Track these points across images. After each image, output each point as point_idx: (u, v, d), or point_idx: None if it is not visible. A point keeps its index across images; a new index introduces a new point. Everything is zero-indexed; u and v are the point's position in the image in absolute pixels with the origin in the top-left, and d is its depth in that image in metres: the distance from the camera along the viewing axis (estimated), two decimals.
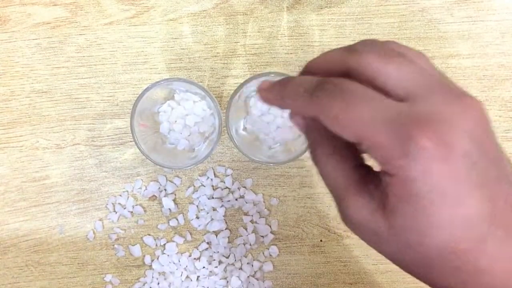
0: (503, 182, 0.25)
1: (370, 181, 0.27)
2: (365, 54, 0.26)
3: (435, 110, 0.24)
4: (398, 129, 0.24)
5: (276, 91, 0.29)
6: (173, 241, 0.49)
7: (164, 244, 0.50)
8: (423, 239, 0.25)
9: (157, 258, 0.50)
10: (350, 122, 0.24)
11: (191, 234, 0.50)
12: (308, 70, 0.30)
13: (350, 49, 0.27)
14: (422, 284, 0.46)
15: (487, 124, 0.25)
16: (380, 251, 0.28)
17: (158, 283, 0.50)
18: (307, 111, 0.26)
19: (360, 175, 0.28)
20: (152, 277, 0.50)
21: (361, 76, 0.26)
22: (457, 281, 0.26)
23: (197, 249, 0.50)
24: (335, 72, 0.27)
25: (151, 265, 0.50)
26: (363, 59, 0.26)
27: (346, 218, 0.28)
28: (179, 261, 0.49)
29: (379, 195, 0.26)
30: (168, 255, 0.49)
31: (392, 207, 0.25)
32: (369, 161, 0.28)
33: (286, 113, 0.45)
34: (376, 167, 0.28)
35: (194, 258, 0.50)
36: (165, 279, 0.50)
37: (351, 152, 0.29)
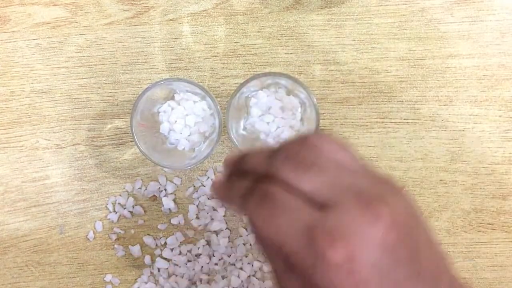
0: (415, 280, 0.25)
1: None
2: (281, 165, 0.27)
3: (346, 221, 0.24)
4: (310, 241, 0.24)
5: (223, 191, 0.31)
6: (174, 235, 0.49)
7: (165, 242, 0.50)
8: None
9: (161, 252, 0.50)
10: (272, 230, 0.26)
11: (191, 232, 0.50)
12: (236, 165, 0.30)
13: (269, 156, 0.28)
14: None
15: (403, 224, 0.25)
16: None
17: (157, 281, 0.50)
18: (246, 215, 0.28)
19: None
20: (151, 273, 0.50)
21: (282, 181, 0.27)
22: None
23: (196, 246, 0.49)
24: (260, 171, 0.28)
25: (151, 265, 0.50)
26: (279, 171, 0.27)
27: None
28: (180, 252, 0.49)
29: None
30: (171, 249, 0.49)
31: None
32: None
33: (286, 113, 0.45)
34: None
35: (195, 255, 0.50)
36: (168, 275, 0.50)
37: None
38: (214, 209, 0.49)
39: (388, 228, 0.24)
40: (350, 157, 0.28)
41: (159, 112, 0.47)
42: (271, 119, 0.45)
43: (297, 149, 0.27)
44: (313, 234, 0.24)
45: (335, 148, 0.27)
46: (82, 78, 0.49)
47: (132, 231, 0.50)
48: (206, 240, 0.50)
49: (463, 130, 0.48)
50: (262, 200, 0.26)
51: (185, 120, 0.46)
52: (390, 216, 0.25)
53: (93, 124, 0.49)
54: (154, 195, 0.50)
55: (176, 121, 0.46)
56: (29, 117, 0.49)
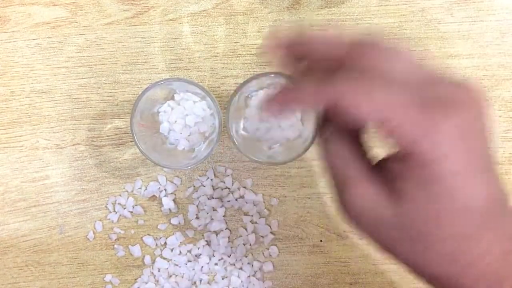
0: (494, 172, 0.27)
1: (374, 170, 0.28)
2: (370, 49, 0.27)
3: (448, 97, 0.25)
4: (423, 110, 0.25)
5: (287, 93, 0.29)
6: (174, 235, 0.49)
7: (165, 243, 0.50)
8: (427, 226, 0.26)
9: (161, 252, 0.50)
10: (375, 105, 0.25)
11: (191, 232, 0.50)
12: (293, 50, 0.30)
13: (352, 43, 0.27)
14: (421, 285, 0.46)
15: (484, 114, 0.26)
16: (377, 241, 0.28)
17: (158, 281, 0.50)
18: (324, 100, 0.26)
19: (363, 165, 0.29)
20: (151, 273, 0.50)
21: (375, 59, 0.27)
22: (455, 270, 0.26)
23: (196, 246, 0.50)
24: (333, 55, 0.28)
25: (151, 265, 0.50)
26: (368, 53, 0.27)
27: (348, 206, 0.28)
28: (180, 252, 0.49)
29: (386, 182, 0.27)
30: (171, 249, 0.49)
31: (403, 192, 0.26)
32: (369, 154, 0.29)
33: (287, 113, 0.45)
34: (378, 158, 0.29)
35: (195, 255, 0.50)
36: (168, 275, 0.50)
37: (354, 144, 0.29)
38: (214, 209, 0.49)
39: (483, 107, 0.26)
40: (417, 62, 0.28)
41: (159, 112, 0.47)
42: (271, 119, 0.45)
43: (378, 41, 0.28)
44: (426, 103, 0.25)
45: (405, 55, 0.28)
46: (82, 78, 0.49)
47: (132, 231, 0.50)
48: (206, 240, 0.50)
49: None
50: (361, 75, 0.26)
51: (185, 120, 0.46)
52: (482, 98, 0.26)
53: (93, 124, 0.49)
54: (154, 195, 0.50)
55: (176, 121, 0.46)
56: (29, 117, 0.49)
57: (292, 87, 0.29)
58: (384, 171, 0.27)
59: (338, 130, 0.29)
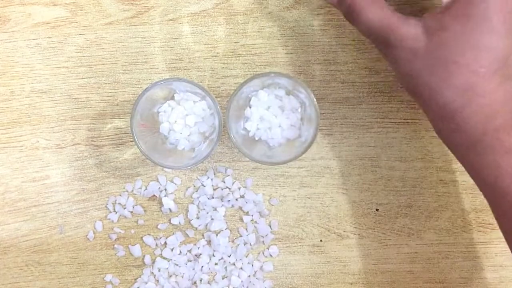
0: None
1: (412, 18, 0.34)
2: None
3: None
4: None
5: None
6: (174, 235, 0.49)
7: (165, 243, 0.50)
8: (456, 55, 0.31)
9: (161, 252, 0.50)
10: None
11: (191, 232, 0.50)
12: None
13: None
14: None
15: None
16: (407, 68, 0.34)
17: (158, 281, 0.50)
18: None
19: (400, 15, 0.34)
20: (151, 273, 0.50)
21: None
22: (464, 99, 0.32)
23: (196, 246, 0.50)
24: None
25: (151, 265, 0.50)
26: None
27: (391, 45, 0.34)
28: (180, 252, 0.49)
29: (425, 22, 0.33)
30: (171, 249, 0.49)
31: (444, 26, 0.31)
32: None
33: (286, 113, 0.45)
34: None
35: (195, 255, 0.50)
36: (168, 275, 0.50)
37: (386, 2, 0.35)
38: (214, 209, 0.49)
39: None
40: None
41: (159, 112, 0.47)
42: (271, 119, 0.45)
43: None
44: None
45: None
46: (82, 78, 0.49)
47: (132, 231, 0.50)
48: (206, 240, 0.50)
49: None
50: None
51: (185, 120, 0.46)
52: None
53: (93, 124, 0.49)
54: (154, 195, 0.50)
55: (176, 121, 0.46)
56: (29, 117, 0.49)
57: None
58: (425, 18, 0.33)
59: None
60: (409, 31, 0.33)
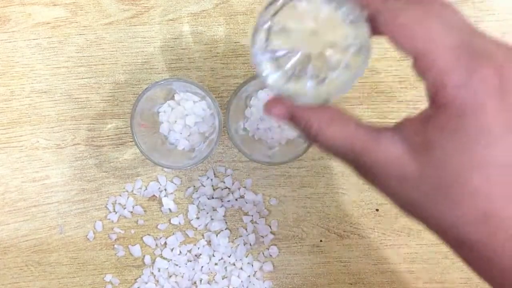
0: None
1: (384, 130, 0.27)
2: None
3: (495, 52, 0.24)
4: (466, 56, 0.23)
5: None
6: (174, 235, 0.49)
7: (165, 243, 0.50)
8: (458, 179, 0.24)
9: (161, 252, 0.50)
10: (419, 34, 0.24)
11: (191, 232, 0.50)
12: None
13: None
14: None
15: None
16: (403, 200, 0.27)
17: (158, 281, 0.50)
18: (370, 7, 0.26)
19: (368, 129, 0.27)
20: (151, 273, 0.50)
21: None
22: (484, 230, 0.25)
23: (196, 246, 0.50)
24: None
25: (151, 265, 0.50)
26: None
27: (371, 172, 0.27)
28: (180, 252, 0.49)
29: (405, 140, 0.26)
30: (171, 249, 0.49)
31: (431, 143, 0.24)
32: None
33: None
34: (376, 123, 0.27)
35: (195, 255, 0.50)
36: (168, 275, 0.50)
37: (348, 114, 0.28)
38: (214, 209, 0.49)
39: None
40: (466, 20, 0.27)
41: (159, 112, 0.47)
42: (271, 119, 0.45)
43: None
44: (470, 50, 0.23)
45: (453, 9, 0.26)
46: (82, 78, 0.49)
47: (132, 231, 0.50)
48: (206, 240, 0.50)
49: None
50: (413, 1, 0.25)
51: (185, 120, 0.46)
52: None
53: (93, 124, 0.49)
54: (154, 195, 0.50)
55: (176, 121, 0.46)
56: (29, 117, 0.49)
57: None
58: (402, 130, 0.26)
59: (321, 110, 0.28)
60: (387, 152, 0.26)
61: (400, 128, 0.26)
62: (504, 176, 0.24)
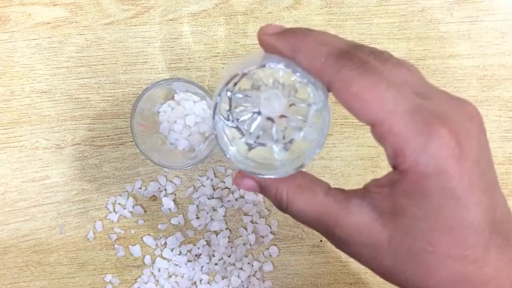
0: (498, 189, 0.25)
1: (352, 197, 0.26)
2: (369, 55, 0.25)
3: (449, 111, 0.24)
4: (421, 121, 0.23)
5: (288, 40, 0.26)
6: (174, 235, 0.49)
7: (165, 243, 0.50)
8: (428, 244, 0.24)
9: (161, 252, 0.50)
10: (372, 103, 0.23)
11: (191, 232, 0.50)
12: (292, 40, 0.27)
13: (353, 46, 0.25)
14: None
15: (485, 131, 0.25)
16: (378, 268, 0.27)
17: (158, 281, 0.50)
18: (323, 77, 0.25)
19: (336, 197, 0.27)
20: (151, 273, 0.50)
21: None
22: None
23: (196, 246, 0.49)
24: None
25: (151, 265, 0.50)
26: (369, 59, 0.25)
27: (343, 241, 0.27)
28: (180, 252, 0.49)
29: (374, 207, 0.25)
30: (171, 249, 0.49)
31: (398, 209, 0.24)
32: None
33: None
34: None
35: (195, 255, 0.50)
36: (168, 275, 0.50)
37: (317, 182, 0.28)
38: (214, 209, 0.49)
39: (481, 128, 0.24)
40: (422, 79, 0.26)
41: (159, 112, 0.47)
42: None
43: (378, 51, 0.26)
44: (424, 114, 0.23)
45: (406, 67, 0.26)
46: (82, 78, 0.49)
47: (132, 231, 0.50)
48: (206, 240, 0.50)
49: None
50: (365, 68, 0.24)
51: (185, 120, 0.46)
52: (480, 118, 0.24)
53: (93, 124, 0.49)
54: (154, 195, 0.50)
55: (176, 121, 0.46)
56: (29, 117, 0.49)
57: (306, 38, 0.26)
58: (371, 196, 0.26)
59: (290, 179, 0.28)
60: (357, 221, 0.25)
61: (368, 195, 0.26)
62: (474, 237, 0.23)
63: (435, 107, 0.24)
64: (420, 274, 0.25)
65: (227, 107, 0.30)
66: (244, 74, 0.28)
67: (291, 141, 0.29)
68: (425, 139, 0.23)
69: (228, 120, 0.29)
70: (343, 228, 0.26)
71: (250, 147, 0.29)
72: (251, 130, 0.29)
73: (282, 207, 0.28)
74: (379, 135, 0.24)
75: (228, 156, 0.28)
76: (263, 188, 0.29)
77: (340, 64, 0.24)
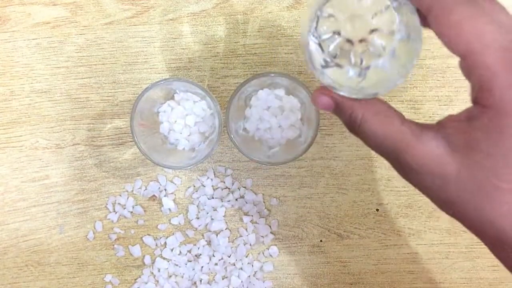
0: None
1: (426, 129, 0.27)
2: None
3: None
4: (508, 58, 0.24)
5: None
6: (174, 235, 0.49)
7: (165, 243, 0.50)
8: (500, 180, 0.25)
9: (161, 252, 0.50)
10: (471, 33, 0.24)
11: (191, 232, 0.50)
12: None
13: None
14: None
15: None
16: (440, 197, 0.27)
17: (157, 281, 0.50)
18: (423, 2, 0.26)
19: (411, 127, 0.28)
20: (151, 273, 0.50)
21: None
22: None
23: (196, 246, 0.49)
24: None
25: (151, 265, 0.50)
26: None
27: (412, 169, 0.28)
28: (180, 252, 0.49)
29: (446, 135, 0.26)
30: (171, 249, 0.49)
31: (473, 143, 0.25)
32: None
33: (285, 113, 0.45)
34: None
35: (195, 255, 0.50)
36: (168, 275, 0.50)
37: (394, 111, 0.29)
38: (214, 209, 0.49)
39: None
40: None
41: (159, 112, 0.47)
42: (271, 119, 0.45)
43: None
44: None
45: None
46: (82, 78, 0.49)
47: (132, 231, 0.50)
48: (206, 241, 0.50)
49: None
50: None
51: (185, 120, 0.46)
52: None
53: (93, 124, 0.49)
54: (154, 195, 0.50)
55: (176, 121, 0.46)
56: (29, 117, 0.49)
57: None
58: (445, 131, 0.27)
59: (367, 103, 0.28)
60: (429, 151, 0.26)
61: (442, 127, 0.27)
62: None
63: None
64: (486, 206, 0.25)
65: (313, 24, 0.30)
66: None
67: (368, 68, 0.29)
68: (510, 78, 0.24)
69: (312, 36, 0.29)
70: (414, 156, 0.27)
71: (327, 65, 0.30)
72: (331, 47, 0.29)
73: (355, 127, 0.29)
74: (469, 67, 0.25)
75: (312, 66, 0.29)
76: (338, 107, 0.30)
77: None
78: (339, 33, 0.29)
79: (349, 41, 0.29)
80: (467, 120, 0.26)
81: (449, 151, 0.26)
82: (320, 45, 0.30)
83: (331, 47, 0.30)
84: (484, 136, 0.25)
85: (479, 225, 0.27)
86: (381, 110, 0.29)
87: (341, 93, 0.29)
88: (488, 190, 0.25)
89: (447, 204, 0.27)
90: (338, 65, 0.30)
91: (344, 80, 0.30)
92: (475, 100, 0.25)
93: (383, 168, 0.49)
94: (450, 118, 0.27)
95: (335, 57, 0.30)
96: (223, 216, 0.50)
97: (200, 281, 0.50)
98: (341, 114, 0.30)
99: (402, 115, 0.29)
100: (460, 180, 0.26)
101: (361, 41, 0.29)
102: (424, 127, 0.27)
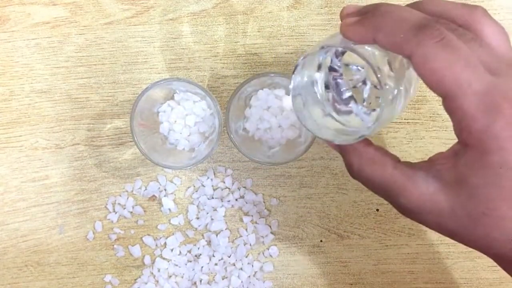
0: None
1: (418, 169, 0.29)
2: (447, 29, 0.27)
3: None
4: (489, 102, 0.25)
5: (369, 23, 0.29)
6: (174, 235, 0.49)
7: (165, 243, 0.50)
8: (488, 209, 0.27)
9: (161, 253, 0.50)
10: (448, 79, 0.26)
11: (191, 232, 0.50)
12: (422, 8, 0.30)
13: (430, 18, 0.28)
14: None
15: None
16: (442, 230, 0.30)
17: (157, 281, 0.50)
18: (404, 51, 0.27)
19: (403, 169, 0.30)
20: (151, 273, 0.50)
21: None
22: None
23: (196, 246, 0.49)
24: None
25: (151, 265, 0.50)
26: (448, 33, 0.27)
27: (409, 210, 0.30)
28: (180, 252, 0.49)
29: (437, 174, 0.28)
30: (171, 249, 0.49)
31: (461, 178, 0.27)
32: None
33: (285, 113, 0.45)
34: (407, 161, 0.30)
35: (195, 255, 0.50)
36: (168, 275, 0.49)
37: (387, 154, 0.31)
38: (214, 209, 0.49)
39: None
40: (507, 43, 0.29)
41: (159, 112, 0.47)
42: (271, 119, 0.45)
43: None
44: (494, 95, 0.26)
45: (497, 29, 0.29)
46: (82, 78, 0.49)
47: (132, 231, 0.50)
48: (206, 241, 0.50)
49: None
50: (443, 43, 0.26)
51: (185, 120, 0.46)
52: None
53: (92, 124, 0.49)
54: (154, 195, 0.50)
55: (176, 121, 0.46)
56: (29, 117, 0.49)
57: (385, 16, 0.28)
58: (435, 168, 0.29)
59: (364, 148, 0.31)
60: (422, 192, 0.29)
61: (433, 164, 0.29)
62: None
63: (503, 86, 0.26)
64: (479, 234, 0.28)
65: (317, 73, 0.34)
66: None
67: (376, 108, 0.33)
68: (490, 120, 0.25)
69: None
70: (409, 198, 0.29)
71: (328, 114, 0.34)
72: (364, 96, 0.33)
73: (353, 174, 0.32)
74: (449, 108, 0.27)
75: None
76: (341, 152, 0.33)
77: (419, 38, 0.27)
78: (364, 82, 0.33)
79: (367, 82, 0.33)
80: (454, 157, 0.28)
81: (441, 188, 0.28)
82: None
83: (365, 94, 0.33)
84: (470, 172, 0.27)
85: (480, 250, 0.30)
86: (375, 157, 0.31)
87: (337, 142, 0.32)
88: (479, 218, 0.27)
89: (446, 234, 0.30)
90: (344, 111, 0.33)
91: (350, 119, 0.33)
92: (458, 138, 0.28)
93: None
94: (439, 155, 0.29)
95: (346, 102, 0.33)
96: (223, 216, 0.49)
97: (200, 281, 0.50)
98: (343, 157, 0.33)
99: (396, 157, 0.31)
100: (454, 213, 0.28)
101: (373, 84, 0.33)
102: (415, 167, 0.29)
